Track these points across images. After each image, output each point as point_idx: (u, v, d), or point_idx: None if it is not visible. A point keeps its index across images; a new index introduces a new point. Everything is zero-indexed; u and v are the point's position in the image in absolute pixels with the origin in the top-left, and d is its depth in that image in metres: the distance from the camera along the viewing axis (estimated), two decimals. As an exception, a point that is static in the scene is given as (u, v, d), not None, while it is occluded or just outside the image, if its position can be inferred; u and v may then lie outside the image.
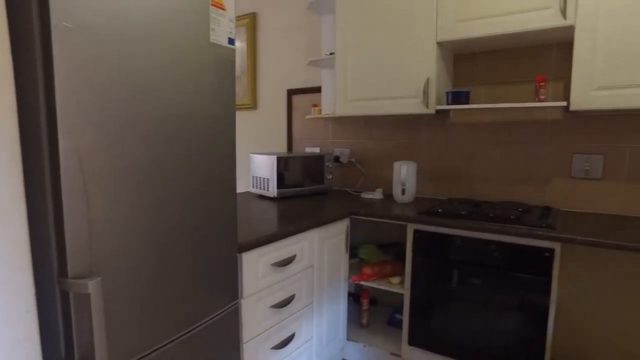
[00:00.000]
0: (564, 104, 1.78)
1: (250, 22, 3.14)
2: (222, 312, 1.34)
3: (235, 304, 1.40)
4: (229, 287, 1.37)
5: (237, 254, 1.40)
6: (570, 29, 1.76)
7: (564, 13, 1.74)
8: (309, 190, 2.50)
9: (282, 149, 3.11)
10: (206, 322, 1.28)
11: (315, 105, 2.71)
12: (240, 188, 3.30)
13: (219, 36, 1.26)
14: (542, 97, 1.86)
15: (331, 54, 2.48)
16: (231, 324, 1.39)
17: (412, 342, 1.99)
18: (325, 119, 2.84)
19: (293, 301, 1.72)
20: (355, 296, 2.63)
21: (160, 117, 1.08)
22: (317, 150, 2.91)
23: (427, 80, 2.07)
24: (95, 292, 0.90)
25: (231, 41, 1.31)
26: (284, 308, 1.66)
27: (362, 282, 2.15)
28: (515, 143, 2.20)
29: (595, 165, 2.00)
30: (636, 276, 1.93)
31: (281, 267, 1.64)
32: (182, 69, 1.13)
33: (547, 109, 2.10)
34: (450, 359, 1.90)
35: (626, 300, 1.96)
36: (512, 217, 1.78)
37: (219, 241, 1.30)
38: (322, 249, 1.91)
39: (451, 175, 2.40)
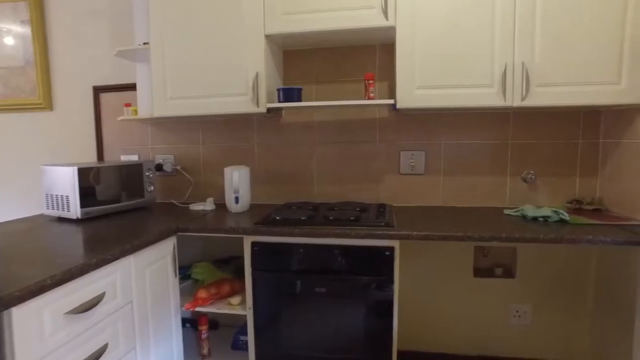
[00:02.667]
0: (392, 101, 1.82)
1: (33, -1, 2.47)
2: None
3: (-1, 385, 0.96)
4: (-14, 364, 0.93)
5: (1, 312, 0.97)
6: (392, 30, 1.81)
7: (385, 13, 1.77)
8: (126, 207, 2.07)
9: (91, 158, 2.54)
10: None
11: (128, 105, 2.27)
12: (30, 211, 2.59)
13: None
14: (371, 95, 1.88)
15: (145, 43, 2.09)
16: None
17: (259, 367, 1.78)
18: (142, 121, 2.42)
19: (106, 353, 1.32)
20: (193, 322, 2.30)
21: None
22: (135, 158, 2.46)
23: (257, 75, 1.89)
24: None
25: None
26: (90, 367, 1.25)
27: (198, 309, 1.84)
28: (349, 142, 2.20)
29: (418, 161, 2.13)
30: (462, 260, 2.12)
31: (83, 314, 1.23)
32: None
33: (376, 107, 2.15)
34: (301, 376, 1.76)
35: (455, 283, 2.14)
36: (351, 218, 1.73)
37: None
38: (142, 278, 1.54)
39: (288, 178, 2.28)
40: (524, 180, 2.06)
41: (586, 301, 2.05)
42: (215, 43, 1.94)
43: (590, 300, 2.04)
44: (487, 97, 1.74)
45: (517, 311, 2.11)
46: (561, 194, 2.05)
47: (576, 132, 2.01)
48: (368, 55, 2.13)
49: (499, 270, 2.09)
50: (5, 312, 0.99)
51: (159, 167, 2.36)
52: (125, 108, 2.25)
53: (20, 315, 1.03)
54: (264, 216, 1.88)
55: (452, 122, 2.10)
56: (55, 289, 1.13)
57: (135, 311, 1.49)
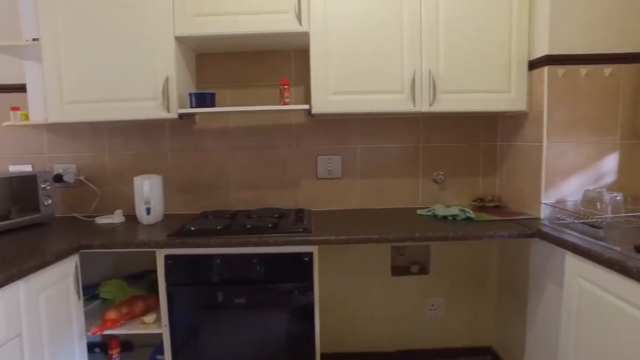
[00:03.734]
0: (307, 107, 1.82)
1: None
2: None
3: None
4: None
5: None
6: (306, 35, 1.81)
7: (299, 19, 1.77)
8: (17, 224, 1.84)
9: (-28, 169, 2.23)
10: None
11: (16, 109, 2.01)
12: None
13: None
14: (286, 100, 1.87)
15: (35, 39, 1.87)
16: None
17: (177, 387, 1.68)
18: (36, 127, 2.17)
19: (-13, 397, 1.16)
20: (103, 345, 2.11)
21: None
22: (28, 168, 2.20)
23: (167, 79, 1.79)
24: None
25: None
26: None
27: (107, 332, 1.70)
28: (266, 148, 2.17)
29: (335, 165, 2.16)
30: (380, 260, 2.19)
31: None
32: None
33: (292, 112, 2.14)
34: (223, 392, 1.69)
35: (375, 283, 2.21)
36: (269, 225, 1.70)
37: None
38: (35, 305, 1.37)
39: (203, 186, 2.19)
40: (434, 181, 2.19)
41: (491, 290, 2.23)
42: (119, 42, 1.80)
43: (495, 289, 2.23)
44: (398, 102, 1.82)
45: (432, 305, 2.23)
46: (467, 193, 2.21)
47: (478, 136, 2.18)
48: (284, 60, 2.12)
49: (415, 268, 2.19)
50: None
51: (58, 178, 2.13)
52: (12, 112, 2.00)
53: None
54: (178, 227, 1.78)
55: (367, 126, 2.16)
56: None
57: (26, 345, 1.32)
